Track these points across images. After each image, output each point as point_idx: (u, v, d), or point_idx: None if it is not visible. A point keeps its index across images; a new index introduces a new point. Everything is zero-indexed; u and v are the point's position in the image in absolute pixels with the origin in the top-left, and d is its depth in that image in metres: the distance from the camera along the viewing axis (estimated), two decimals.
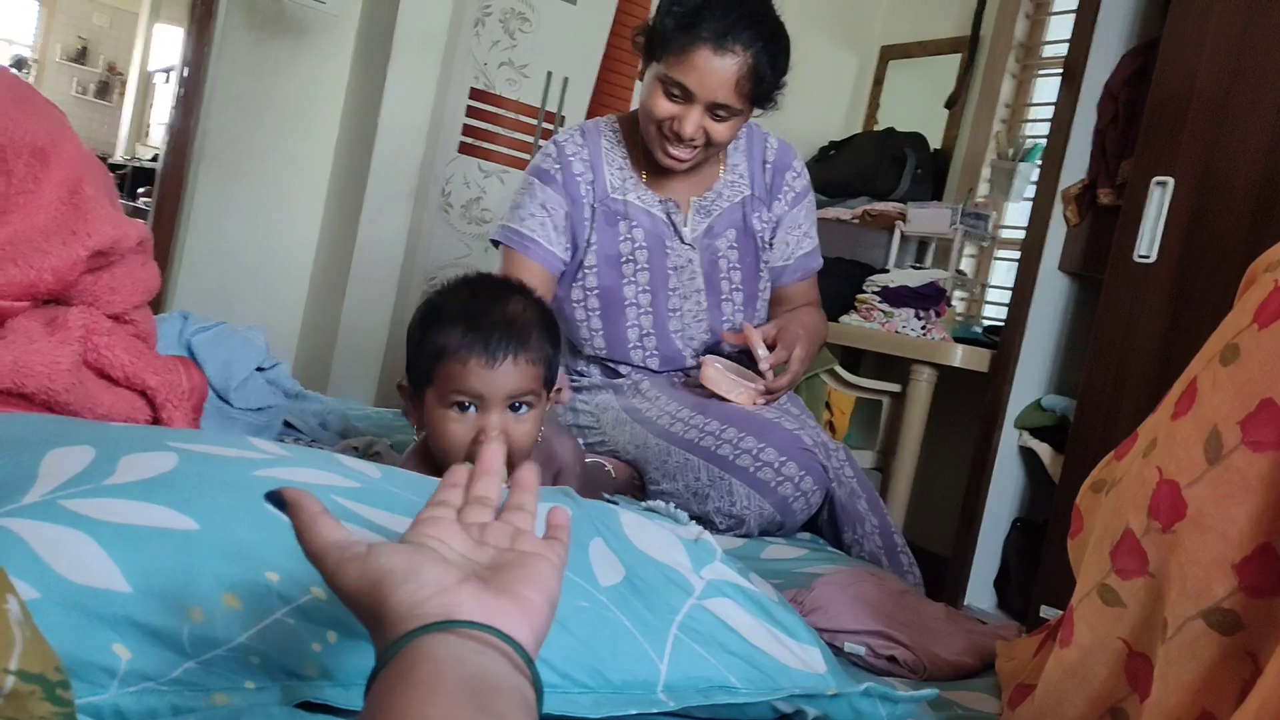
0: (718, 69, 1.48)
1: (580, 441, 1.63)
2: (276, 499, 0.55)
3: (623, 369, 1.71)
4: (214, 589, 0.63)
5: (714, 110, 1.53)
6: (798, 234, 1.77)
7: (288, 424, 1.34)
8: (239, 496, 0.68)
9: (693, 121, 1.52)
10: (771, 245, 1.76)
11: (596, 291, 1.67)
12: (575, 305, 1.68)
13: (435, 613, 0.49)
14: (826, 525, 1.55)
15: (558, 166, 1.65)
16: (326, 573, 0.53)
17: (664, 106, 1.54)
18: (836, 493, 1.51)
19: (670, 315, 1.69)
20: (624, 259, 1.67)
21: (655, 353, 1.70)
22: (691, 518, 1.47)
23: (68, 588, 0.60)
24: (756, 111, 1.60)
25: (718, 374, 1.53)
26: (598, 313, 1.68)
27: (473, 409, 1.08)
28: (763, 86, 1.53)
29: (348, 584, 0.51)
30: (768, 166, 1.75)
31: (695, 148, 1.57)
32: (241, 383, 1.29)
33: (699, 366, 1.58)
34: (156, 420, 1.05)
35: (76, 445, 0.72)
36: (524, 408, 1.10)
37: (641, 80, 1.62)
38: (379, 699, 0.45)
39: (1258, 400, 0.70)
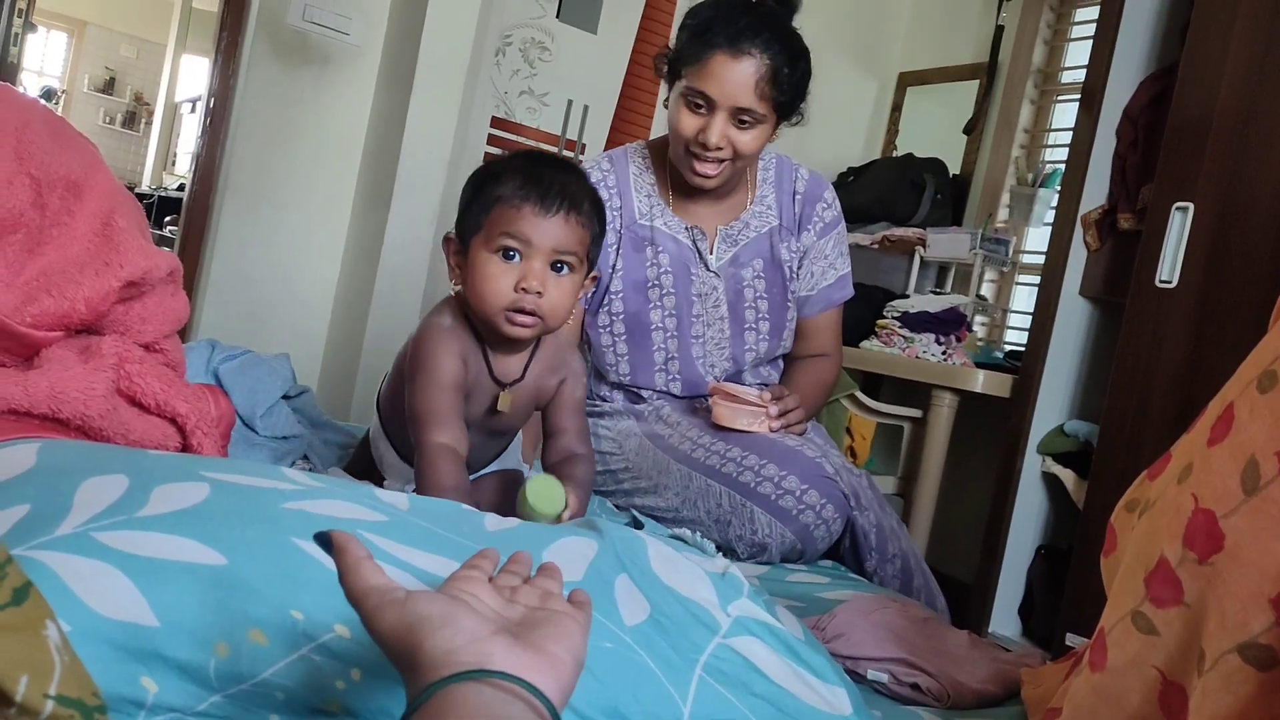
0: (735, 72, 1.49)
1: (600, 466, 1.64)
2: (324, 541, 0.58)
3: (645, 393, 1.71)
4: (241, 625, 0.63)
5: (737, 117, 1.53)
6: (823, 264, 1.76)
7: (305, 455, 1.35)
8: (267, 531, 0.69)
9: (717, 130, 1.52)
10: (798, 276, 1.75)
11: (622, 316, 1.67)
12: (601, 330, 1.69)
13: (468, 661, 0.50)
14: (848, 553, 1.54)
15: None
16: (365, 614, 0.55)
17: (689, 121, 1.55)
18: (858, 520, 1.51)
19: (693, 341, 1.69)
20: (650, 284, 1.67)
21: (678, 377, 1.70)
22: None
23: (98, 621, 0.60)
24: (783, 127, 1.61)
25: (730, 411, 1.53)
26: (623, 338, 1.68)
27: (517, 257, 1.10)
28: (783, 90, 1.53)
29: (385, 626, 0.54)
30: (798, 197, 1.74)
31: (723, 161, 1.57)
32: (268, 410, 1.31)
33: (709, 395, 1.58)
34: (186, 446, 1.06)
35: (112, 474, 0.73)
36: (565, 269, 1.12)
37: (666, 106, 1.63)
38: None
39: None
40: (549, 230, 1.10)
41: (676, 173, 1.65)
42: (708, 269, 1.69)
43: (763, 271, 1.71)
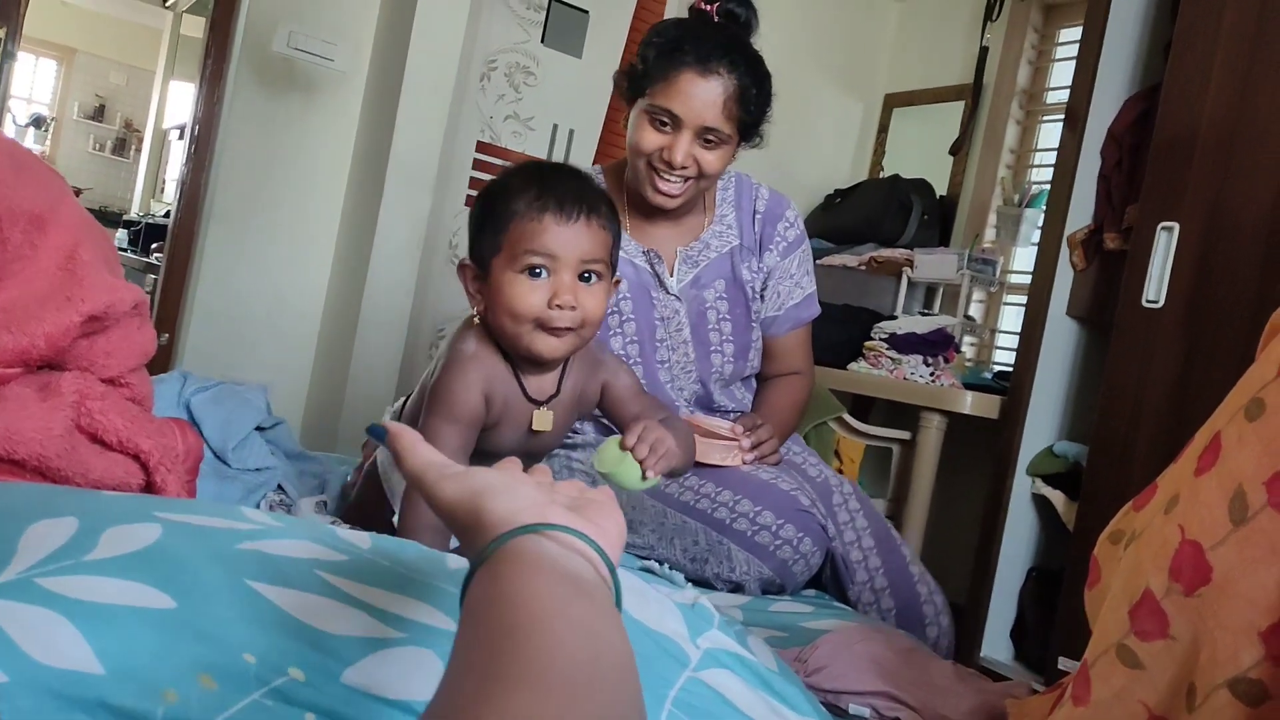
0: (704, 91, 1.48)
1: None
2: (378, 433, 0.63)
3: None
4: (189, 670, 0.61)
5: (703, 136, 1.51)
6: (789, 284, 1.74)
7: (280, 486, 1.33)
8: (220, 572, 0.67)
9: (682, 148, 1.50)
10: (763, 297, 1.73)
11: None
12: None
13: (531, 519, 0.54)
14: (830, 581, 1.53)
15: None
16: (426, 486, 0.59)
17: (652, 138, 1.52)
18: (837, 550, 1.49)
19: (659, 366, 1.66)
20: (609, 310, 1.62)
21: None
22: (690, 579, 1.46)
23: (39, 670, 0.58)
24: (744, 148, 1.59)
25: (702, 446, 1.47)
26: None
27: (544, 274, 1.06)
28: (749, 112, 1.52)
29: (447, 496, 0.58)
30: (758, 217, 1.72)
31: (687, 180, 1.54)
32: (240, 443, 1.29)
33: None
34: (150, 483, 1.04)
35: (60, 517, 0.71)
36: (593, 277, 1.09)
37: (625, 124, 1.61)
38: (484, 585, 0.50)
39: None
40: (573, 240, 1.06)
41: (634, 195, 1.61)
42: (668, 292, 1.66)
43: (725, 292, 1.68)
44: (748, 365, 1.73)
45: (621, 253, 1.60)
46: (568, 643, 0.45)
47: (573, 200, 1.06)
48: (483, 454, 1.16)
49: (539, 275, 1.06)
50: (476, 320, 1.16)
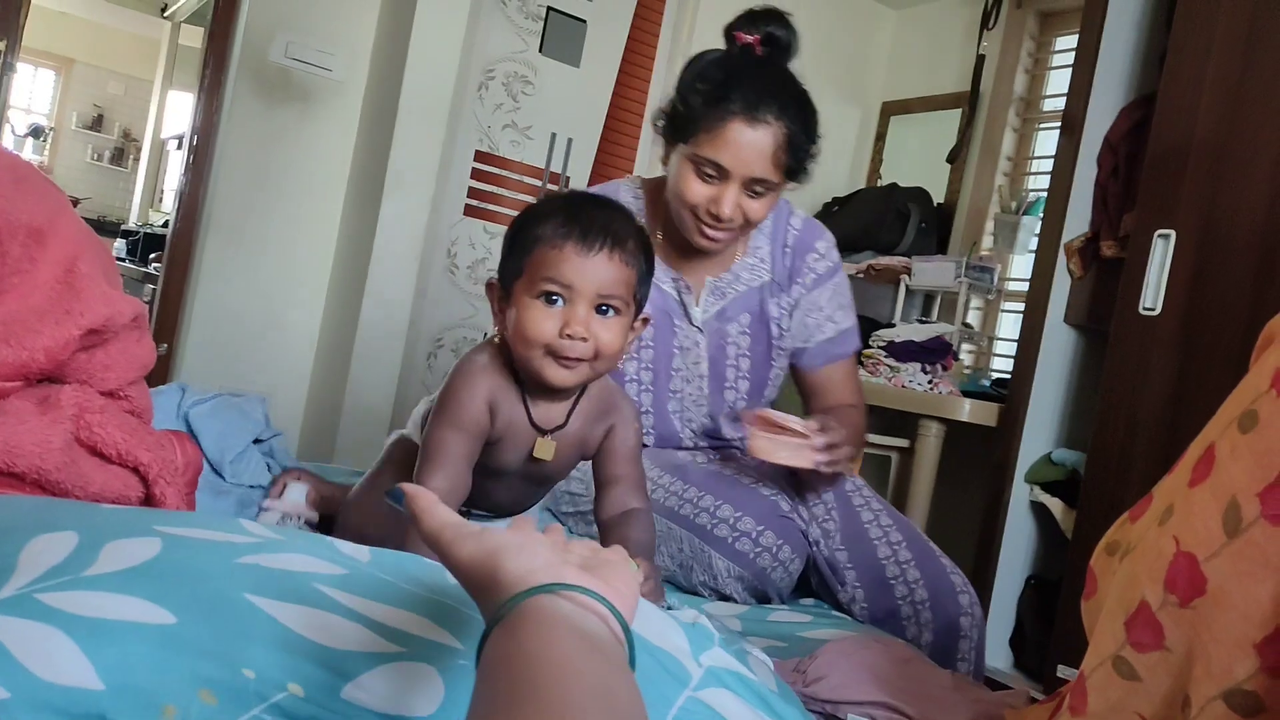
0: (752, 141, 1.41)
1: (572, 507, 1.60)
2: (397, 496, 0.64)
3: None
4: (189, 685, 0.61)
5: (750, 186, 1.45)
6: (818, 317, 1.65)
7: None
8: (219, 586, 0.67)
9: (730, 200, 1.44)
10: (789, 330, 1.66)
11: None
12: None
13: (547, 579, 0.55)
14: (821, 587, 1.52)
15: None
16: (443, 546, 0.60)
17: (698, 190, 1.46)
18: (818, 556, 1.48)
19: (670, 396, 1.62)
20: None
21: (652, 431, 1.63)
22: (679, 587, 1.46)
23: (39, 686, 0.58)
24: (789, 188, 1.53)
25: (769, 444, 1.36)
26: None
27: (560, 302, 1.05)
28: (798, 157, 1.46)
29: (464, 555, 0.59)
30: (788, 250, 1.65)
31: (733, 229, 1.49)
32: (237, 456, 1.28)
33: (743, 441, 1.43)
34: (149, 495, 1.04)
35: (60, 531, 0.71)
36: (611, 311, 1.07)
37: (664, 164, 1.55)
38: (501, 643, 0.51)
39: (1277, 471, 0.69)
40: (592, 271, 1.04)
41: (670, 220, 1.56)
42: (691, 323, 1.61)
43: (748, 328, 1.63)
44: (760, 404, 1.66)
45: None
46: (583, 700, 0.46)
47: (597, 231, 1.05)
48: (485, 470, 1.16)
49: (555, 303, 1.05)
50: (496, 340, 1.16)
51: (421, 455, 1.11)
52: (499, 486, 1.21)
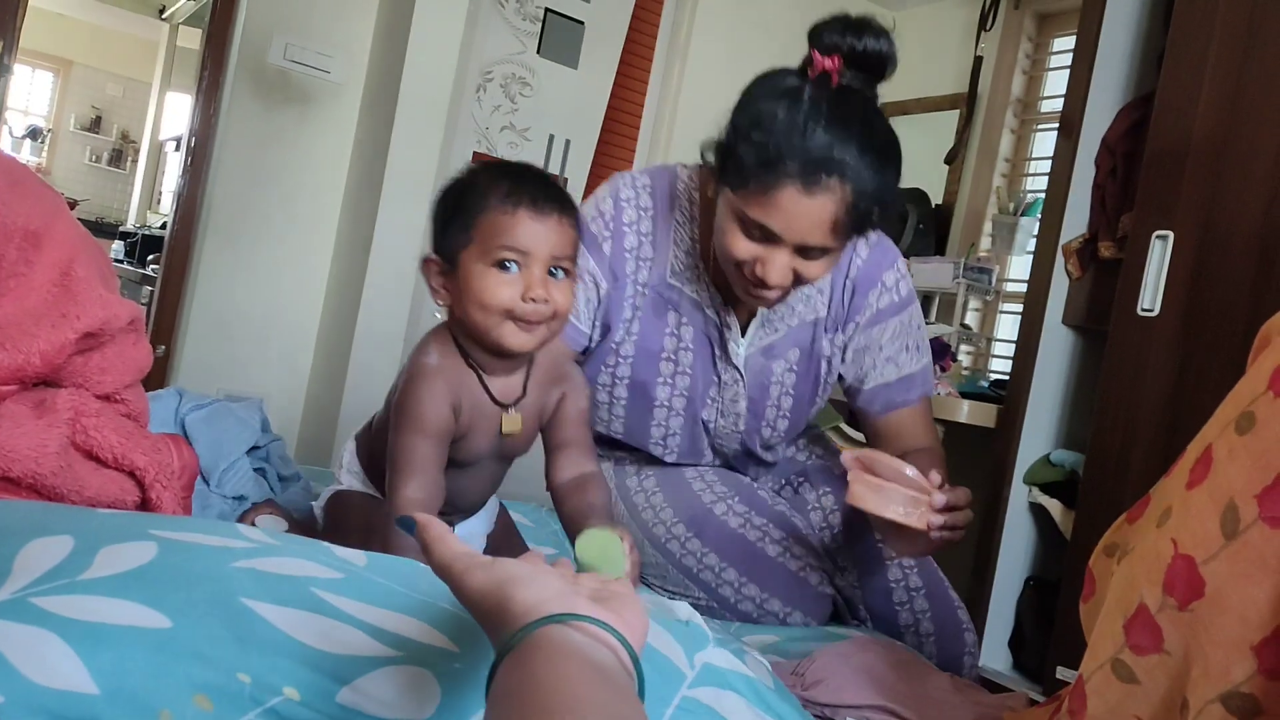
0: (808, 211, 1.20)
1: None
2: (408, 525, 0.65)
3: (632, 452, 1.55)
4: (185, 690, 0.61)
5: (805, 252, 1.25)
6: (876, 358, 1.46)
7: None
8: (215, 591, 0.67)
9: (779, 267, 1.24)
10: (842, 374, 1.50)
11: (627, 382, 1.44)
12: (600, 388, 1.46)
13: (558, 609, 0.55)
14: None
15: (608, 234, 1.42)
16: (454, 577, 0.61)
17: (744, 247, 1.25)
18: (837, 598, 1.44)
19: (705, 424, 1.48)
20: (665, 356, 1.43)
21: (676, 451, 1.50)
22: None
23: (34, 691, 0.58)
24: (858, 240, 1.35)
25: (877, 497, 1.14)
26: (623, 402, 1.46)
27: (514, 268, 1.06)
28: (863, 219, 1.24)
29: (475, 585, 0.59)
30: (848, 281, 1.46)
31: (784, 289, 1.29)
32: (230, 465, 1.27)
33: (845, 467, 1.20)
34: (145, 499, 1.04)
35: (56, 535, 0.71)
36: (562, 273, 1.09)
37: (708, 194, 1.37)
38: (511, 672, 0.52)
39: (1275, 473, 0.68)
40: (545, 236, 1.06)
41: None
42: (730, 362, 1.44)
43: (795, 365, 1.46)
44: (795, 433, 1.54)
45: (694, 296, 1.43)
46: None
47: (545, 197, 1.07)
48: (457, 464, 1.16)
49: (509, 269, 1.06)
50: (441, 317, 1.16)
51: (391, 466, 1.09)
52: (472, 478, 1.20)
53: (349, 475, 1.26)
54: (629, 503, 1.48)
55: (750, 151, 1.21)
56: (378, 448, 1.18)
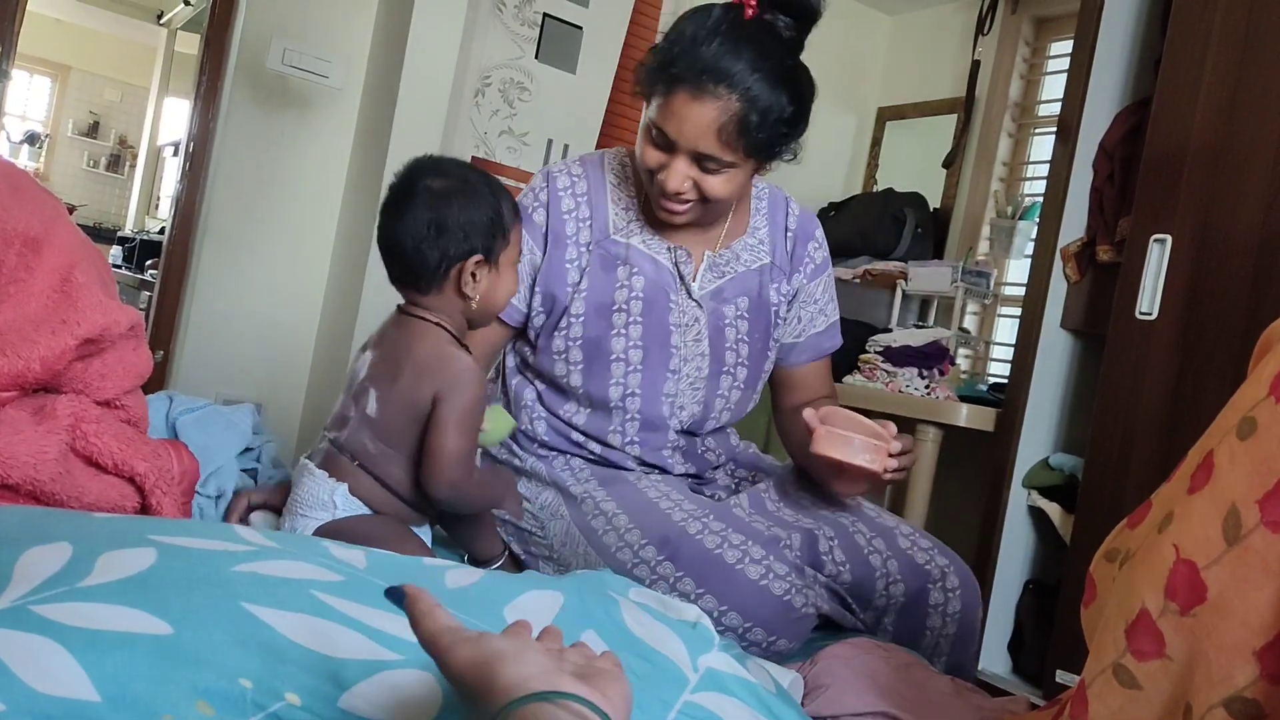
0: (696, 115, 1.29)
1: (520, 549, 1.47)
2: (396, 596, 0.64)
3: (576, 465, 1.50)
4: (186, 696, 0.61)
5: (701, 162, 1.33)
6: (812, 309, 1.58)
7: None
8: (216, 596, 0.67)
9: (677, 173, 1.34)
10: (785, 321, 1.57)
11: (580, 342, 1.45)
12: (556, 358, 1.47)
13: (542, 687, 0.56)
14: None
15: (539, 203, 1.50)
16: (440, 651, 0.60)
17: (649, 155, 1.36)
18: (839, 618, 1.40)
19: (668, 376, 1.47)
20: (616, 308, 1.46)
21: (637, 417, 1.47)
22: None
23: (35, 699, 0.58)
24: (769, 168, 1.42)
25: (843, 443, 1.27)
26: (580, 366, 1.46)
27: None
28: (754, 136, 1.31)
29: (460, 660, 0.59)
30: (789, 235, 1.57)
31: (688, 202, 1.38)
32: (217, 470, 1.26)
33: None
34: (145, 505, 1.04)
35: (55, 542, 0.71)
36: None
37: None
38: None
39: (1276, 478, 0.69)
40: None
41: None
42: (689, 296, 1.49)
43: (746, 312, 1.51)
44: (752, 399, 1.56)
45: (642, 246, 1.49)
46: None
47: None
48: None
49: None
50: (448, 326, 1.27)
51: (462, 461, 1.20)
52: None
53: (342, 512, 1.21)
54: (585, 528, 1.39)
55: (655, 59, 1.34)
56: (391, 449, 1.25)
